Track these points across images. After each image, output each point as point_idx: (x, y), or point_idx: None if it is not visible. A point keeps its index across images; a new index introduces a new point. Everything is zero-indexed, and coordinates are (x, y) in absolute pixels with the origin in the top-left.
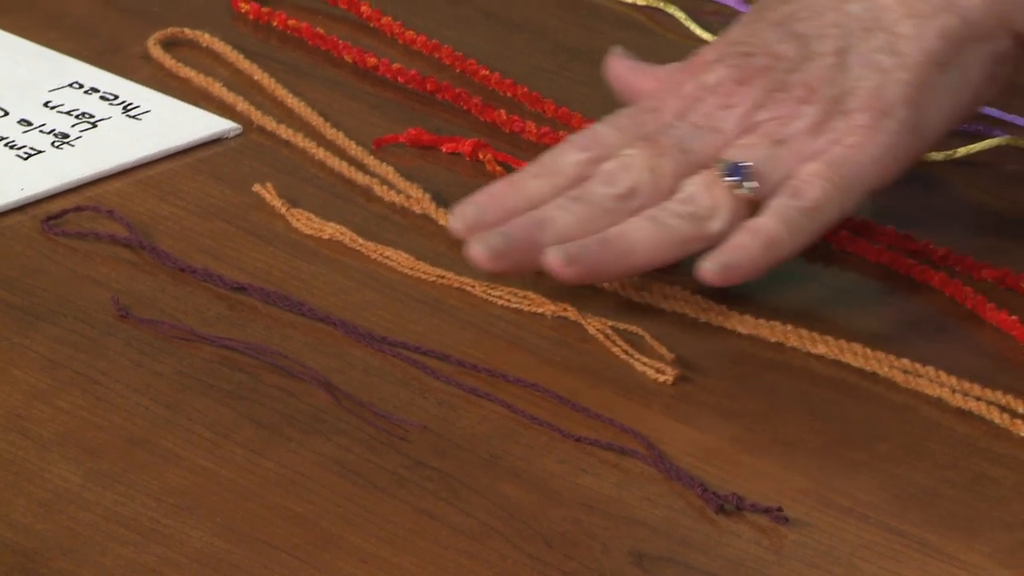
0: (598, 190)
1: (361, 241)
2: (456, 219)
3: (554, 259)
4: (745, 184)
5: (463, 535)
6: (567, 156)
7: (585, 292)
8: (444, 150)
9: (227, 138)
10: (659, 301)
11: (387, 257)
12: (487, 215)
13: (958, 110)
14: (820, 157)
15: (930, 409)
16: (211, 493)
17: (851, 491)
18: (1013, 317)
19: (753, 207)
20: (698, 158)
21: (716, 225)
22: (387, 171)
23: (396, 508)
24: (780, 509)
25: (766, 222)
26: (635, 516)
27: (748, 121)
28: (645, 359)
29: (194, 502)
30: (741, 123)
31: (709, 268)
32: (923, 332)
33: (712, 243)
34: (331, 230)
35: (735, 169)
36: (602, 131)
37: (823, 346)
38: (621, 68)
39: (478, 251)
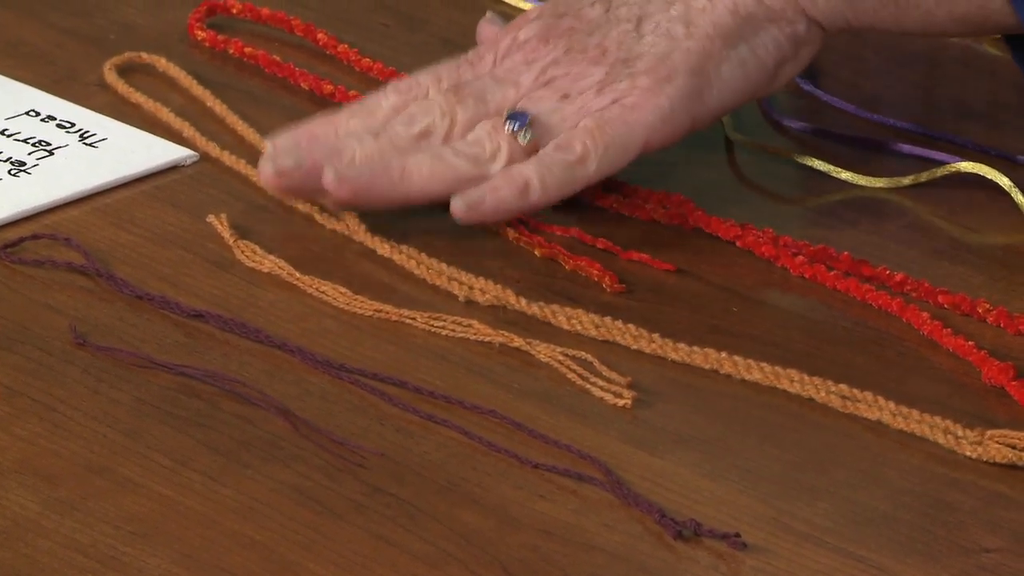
0: (395, 128)
1: (298, 275)
2: (268, 147)
3: (328, 177)
4: (524, 132)
5: (421, 562)
6: (384, 99)
7: (530, 323)
8: None
9: (184, 166)
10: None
11: (322, 292)
12: (300, 147)
13: (747, 84)
14: (596, 114)
15: (887, 435)
16: (169, 520)
17: (809, 516)
18: (970, 343)
19: (533, 156)
20: (494, 108)
21: (494, 168)
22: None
23: (354, 535)
24: (738, 535)
25: (522, 169)
26: (593, 542)
27: (544, 77)
28: (602, 383)
29: (152, 529)
30: (537, 78)
31: (457, 204)
32: (880, 358)
33: None
34: (270, 264)
35: (516, 117)
36: (421, 79)
37: (758, 372)
38: (487, 30)
39: (266, 169)
